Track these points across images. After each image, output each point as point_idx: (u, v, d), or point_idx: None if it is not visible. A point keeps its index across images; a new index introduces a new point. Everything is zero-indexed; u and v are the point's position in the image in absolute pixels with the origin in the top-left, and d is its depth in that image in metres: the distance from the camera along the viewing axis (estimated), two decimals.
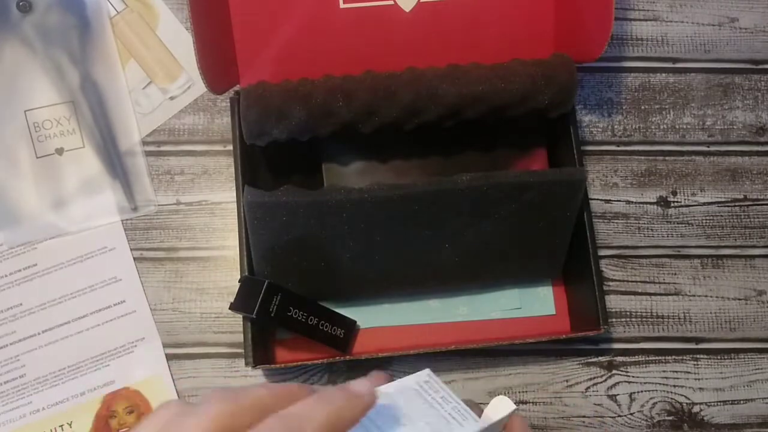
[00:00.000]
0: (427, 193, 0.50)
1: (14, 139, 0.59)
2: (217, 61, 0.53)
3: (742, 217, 0.61)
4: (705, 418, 0.58)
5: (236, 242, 0.54)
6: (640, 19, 0.64)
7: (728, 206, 0.61)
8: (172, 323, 0.57)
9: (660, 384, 0.58)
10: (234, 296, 0.51)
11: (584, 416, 0.57)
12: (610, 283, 0.60)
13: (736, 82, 0.64)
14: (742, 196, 0.62)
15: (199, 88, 0.61)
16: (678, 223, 0.61)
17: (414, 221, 0.51)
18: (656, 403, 0.58)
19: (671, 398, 0.58)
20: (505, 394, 0.57)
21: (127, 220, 0.59)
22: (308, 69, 0.54)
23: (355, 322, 0.56)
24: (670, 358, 0.59)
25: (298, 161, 0.57)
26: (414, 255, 0.53)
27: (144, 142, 0.60)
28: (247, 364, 0.51)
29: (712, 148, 0.62)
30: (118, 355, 0.56)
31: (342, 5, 0.55)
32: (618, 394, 0.58)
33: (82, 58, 0.59)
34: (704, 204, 0.61)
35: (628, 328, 0.59)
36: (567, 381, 0.58)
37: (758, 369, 0.59)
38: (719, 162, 0.62)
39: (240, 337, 0.53)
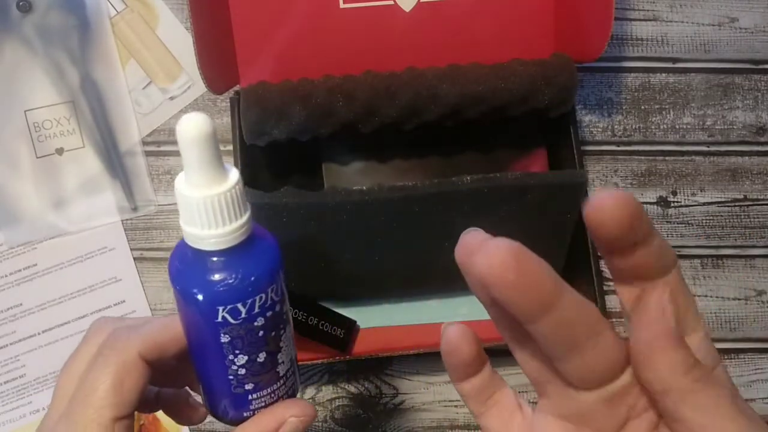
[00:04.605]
0: (428, 195, 0.50)
1: (14, 139, 0.59)
2: (217, 61, 0.53)
3: (742, 217, 0.61)
4: None
5: None
6: (640, 19, 0.64)
7: (728, 206, 0.61)
8: None
9: None
10: None
11: None
12: (610, 283, 0.60)
13: (736, 82, 0.63)
14: (742, 196, 0.62)
15: (199, 88, 0.61)
16: (678, 223, 0.61)
17: (414, 222, 0.51)
18: None
19: None
20: None
21: (127, 220, 0.59)
22: (308, 69, 0.54)
23: (355, 322, 0.56)
24: None
25: (298, 161, 0.57)
26: (414, 256, 0.53)
27: (144, 142, 0.60)
28: None
29: (712, 148, 0.62)
30: None
31: (342, 5, 0.55)
32: None
33: (82, 58, 0.59)
34: (704, 204, 0.61)
35: (628, 328, 0.59)
36: None
37: (758, 369, 0.59)
38: (719, 162, 0.62)
39: None
